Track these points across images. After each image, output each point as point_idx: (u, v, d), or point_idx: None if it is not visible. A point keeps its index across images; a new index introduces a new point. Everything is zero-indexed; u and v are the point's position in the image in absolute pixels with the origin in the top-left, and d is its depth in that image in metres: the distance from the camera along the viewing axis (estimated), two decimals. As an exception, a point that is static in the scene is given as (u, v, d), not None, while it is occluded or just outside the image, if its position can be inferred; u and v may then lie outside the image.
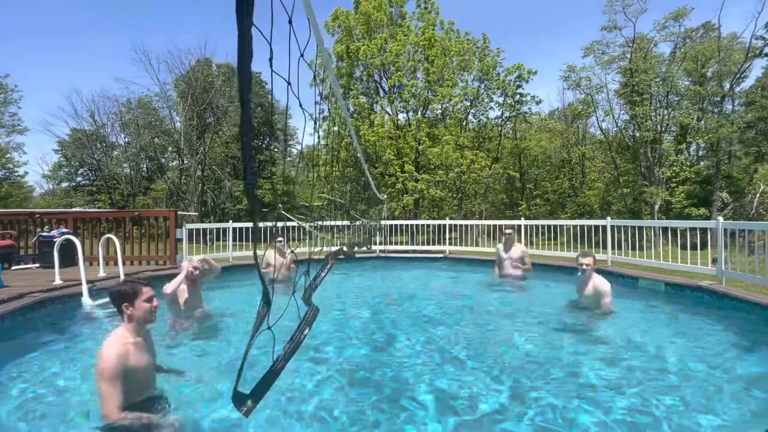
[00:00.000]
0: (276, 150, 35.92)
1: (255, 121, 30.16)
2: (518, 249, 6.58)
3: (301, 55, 1.31)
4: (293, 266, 5.80)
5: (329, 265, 2.06)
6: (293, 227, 8.66)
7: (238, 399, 0.95)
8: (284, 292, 1.42)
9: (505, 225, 8.43)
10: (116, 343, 2.12)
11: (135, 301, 2.21)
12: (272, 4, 0.91)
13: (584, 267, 4.54)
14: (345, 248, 3.48)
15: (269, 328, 0.96)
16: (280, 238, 6.06)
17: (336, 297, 5.66)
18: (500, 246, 6.78)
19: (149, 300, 2.24)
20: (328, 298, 5.44)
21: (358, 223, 5.77)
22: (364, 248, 7.29)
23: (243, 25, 0.63)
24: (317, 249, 2.54)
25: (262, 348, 1.26)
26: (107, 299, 2.22)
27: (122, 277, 5.53)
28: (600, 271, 6.78)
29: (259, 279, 0.94)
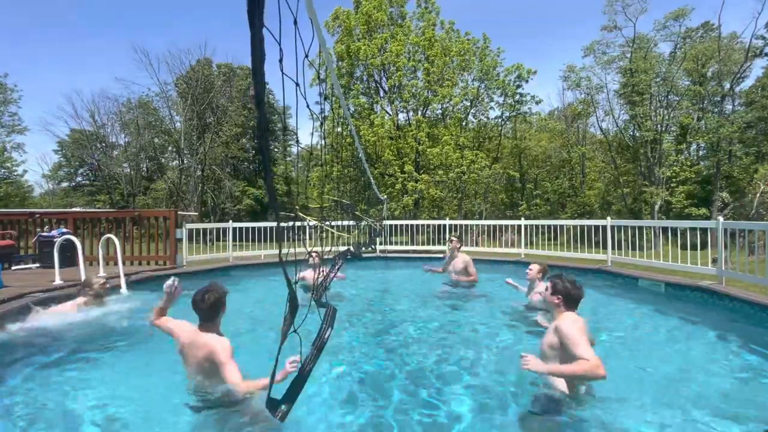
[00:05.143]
0: (276, 150, 35.91)
1: (254, 121, 30.08)
2: (461, 260, 6.07)
3: (306, 56, 1.31)
4: (342, 276, 5.44)
5: (338, 266, 2.07)
6: (305, 227, 8.59)
7: (272, 404, 0.96)
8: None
9: (451, 233, 7.27)
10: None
11: None
12: (279, 5, 0.91)
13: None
14: (352, 248, 3.49)
15: (295, 331, 0.97)
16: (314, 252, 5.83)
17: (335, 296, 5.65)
18: (447, 254, 6.32)
19: None
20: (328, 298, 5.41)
21: (363, 223, 5.75)
22: (368, 248, 7.29)
23: (255, 27, 0.63)
24: (328, 249, 2.56)
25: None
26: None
27: (122, 277, 5.46)
28: (600, 272, 6.84)
29: (286, 282, 0.95)
